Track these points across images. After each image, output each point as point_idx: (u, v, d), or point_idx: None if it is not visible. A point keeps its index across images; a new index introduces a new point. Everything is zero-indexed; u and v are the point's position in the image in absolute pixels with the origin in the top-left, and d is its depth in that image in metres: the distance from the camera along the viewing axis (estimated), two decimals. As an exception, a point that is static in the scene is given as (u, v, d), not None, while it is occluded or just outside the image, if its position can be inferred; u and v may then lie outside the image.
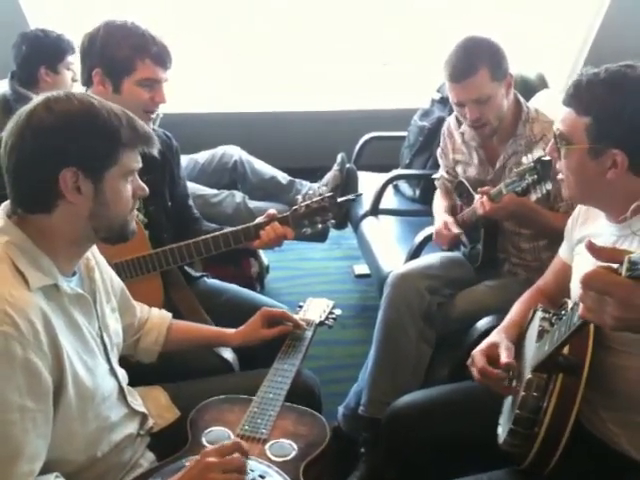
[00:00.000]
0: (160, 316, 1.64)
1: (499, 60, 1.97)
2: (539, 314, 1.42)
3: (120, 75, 1.70)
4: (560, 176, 1.41)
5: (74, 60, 2.84)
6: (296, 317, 1.72)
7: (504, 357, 1.40)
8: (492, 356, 1.43)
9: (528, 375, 1.31)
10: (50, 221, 1.16)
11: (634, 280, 0.83)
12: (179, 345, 1.64)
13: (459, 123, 2.24)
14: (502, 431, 1.40)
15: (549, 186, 1.68)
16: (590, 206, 1.45)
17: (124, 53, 1.69)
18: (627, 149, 1.26)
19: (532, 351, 1.36)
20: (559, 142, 1.35)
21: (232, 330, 1.68)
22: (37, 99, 1.16)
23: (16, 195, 1.16)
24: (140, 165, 1.24)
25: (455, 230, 2.16)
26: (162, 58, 1.73)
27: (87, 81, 1.76)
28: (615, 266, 0.87)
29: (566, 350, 1.28)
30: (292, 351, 1.63)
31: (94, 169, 1.15)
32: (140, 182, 1.26)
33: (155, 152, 1.26)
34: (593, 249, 0.89)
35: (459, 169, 2.28)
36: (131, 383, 1.46)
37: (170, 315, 1.67)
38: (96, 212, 1.18)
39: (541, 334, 1.35)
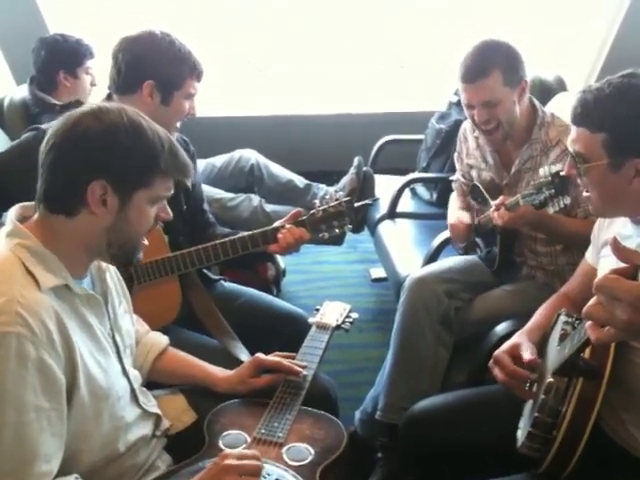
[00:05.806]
0: (153, 343, 1.56)
1: (514, 65, 1.95)
2: (562, 318, 1.42)
3: (171, 90, 1.79)
4: (585, 194, 1.41)
5: (93, 64, 2.87)
6: (290, 364, 1.56)
7: (527, 355, 1.40)
8: (515, 357, 1.43)
9: (549, 379, 1.30)
10: (69, 225, 1.17)
11: None
12: (163, 378, 1.57)
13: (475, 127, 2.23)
14: (521, 434, 1.39)
15: (567, 200, 1.64)
16: (617, 217, 1.44)
17: (179, 72, 1.79)
18: None
19: (554, 355, 1.36)
20: (577, 162, 1.35)
21: (222, 374, 1.57)
22: (90, 105, 1.17)
23: (45, 191, 1.16)
24: (172, 193, 1.24)
25: (467, 221, 2.15)
26: (201, 74, 1.84)
27: (131, 89, 1.79)
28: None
29: (588, 355, 1.28)
30: (309, 355, 1.62)
31: (124, 188, 1.16)
32: (167, 207, 1.26)
33: (189, 184, 1.27)
34: (617, 247, 0.90)
35: (473, 173, 2.26)
36: (149, 386, 1.46)
37: (163, 345, 1.57)
38: (115, 227, 1.18)
39: (563, 338, 1.34)
